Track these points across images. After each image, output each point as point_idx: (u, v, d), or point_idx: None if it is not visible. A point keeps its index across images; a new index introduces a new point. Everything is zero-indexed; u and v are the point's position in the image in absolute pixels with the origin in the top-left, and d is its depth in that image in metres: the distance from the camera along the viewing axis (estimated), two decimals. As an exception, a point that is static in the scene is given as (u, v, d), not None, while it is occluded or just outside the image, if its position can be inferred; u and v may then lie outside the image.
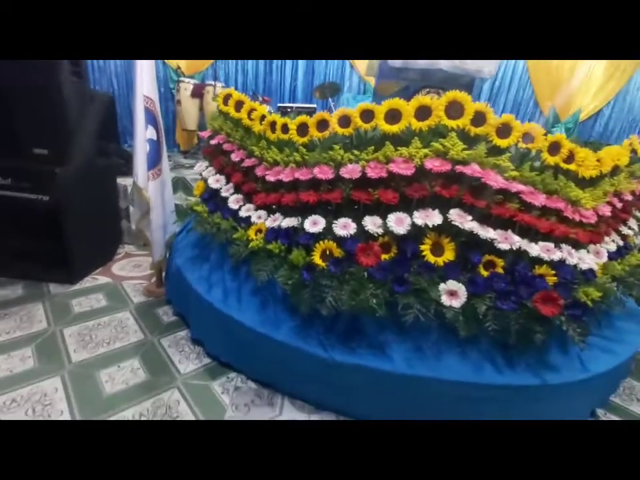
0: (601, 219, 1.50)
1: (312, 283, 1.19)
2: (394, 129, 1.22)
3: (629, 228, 1.70)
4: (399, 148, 1.22)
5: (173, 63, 4.03)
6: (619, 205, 1.59)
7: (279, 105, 3.29)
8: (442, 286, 1.14)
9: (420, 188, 1.20)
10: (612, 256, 1.56)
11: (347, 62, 3.64)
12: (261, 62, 4.09)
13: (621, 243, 1.62)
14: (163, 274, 2.04)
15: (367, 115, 1.27)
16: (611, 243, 1.56)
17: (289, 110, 3.09)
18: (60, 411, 1.23)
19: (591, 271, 1.35)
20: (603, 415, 1.52)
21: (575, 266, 1.29)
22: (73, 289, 2.02)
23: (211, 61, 4.09)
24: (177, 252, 1.85)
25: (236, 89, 4.19)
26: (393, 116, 1.24)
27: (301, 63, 4.04)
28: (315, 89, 3.27)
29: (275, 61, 4.08)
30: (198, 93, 3.59)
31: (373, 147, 1.24)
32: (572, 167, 1.29)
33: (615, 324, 1.63)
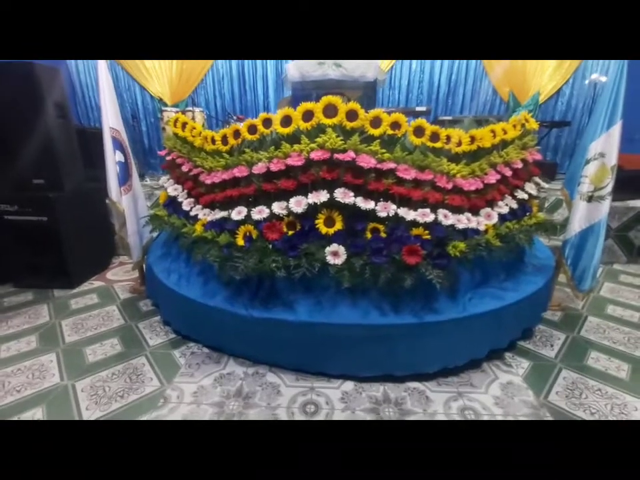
0: (488, 187, 1.76)
1: (230, 257, 1.51)
2: (287, 130, 1.54)
3: (526, 193, 1.93)
4: (293, 145, 1.54)
5: (155, 94, 4.52)
6: (509, 174, 1.83)
7: (249, 120, 3.67)
8: (327, 248, 1.43)
9: (310, 175, 1.51)
10: (507, 217, 1.80)
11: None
12: (236, 84, 4.53)
13: (515, 206, 1.84)
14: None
15: (267, 123, 1.60)
16: (504, 207, 1.80)
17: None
18: (52, 374, 1.59)
19: (472, 229, 1.61)
20: (511, 357, 1.74)
21: (453, 226, 1.55)
22: (73, 292, 2.42)
23: (192, 89, 4.56)
24: (150, 253, 2.22)
25: (215, 111, 4.68)
26: (286, 121, 1.56)
27: (271, 81, 4.45)
28: (279, 103, 3.63)
29: (248, 82, 4.51)
30: (180, 119, 4.03)
31: (273, 147, 1.56)
32: (438, 145, 1.56)
33: (520, 277, 1.85)
